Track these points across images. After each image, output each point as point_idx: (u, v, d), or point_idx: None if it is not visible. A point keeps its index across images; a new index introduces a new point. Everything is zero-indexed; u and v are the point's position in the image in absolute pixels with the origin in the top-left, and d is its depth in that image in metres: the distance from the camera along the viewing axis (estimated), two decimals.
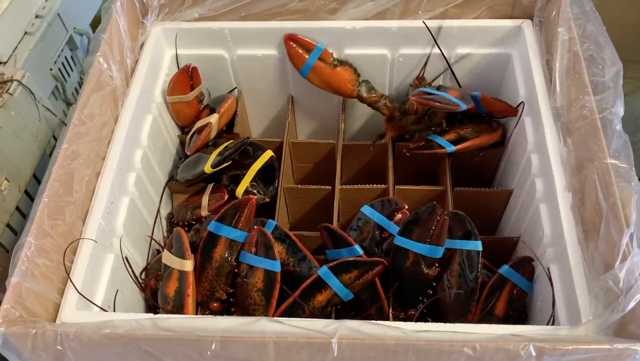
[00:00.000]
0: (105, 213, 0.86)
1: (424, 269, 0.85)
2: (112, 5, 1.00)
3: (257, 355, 0.66)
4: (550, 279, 0.79)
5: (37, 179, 1.22)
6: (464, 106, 0.96)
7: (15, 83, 1.12)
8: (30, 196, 1.20)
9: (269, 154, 1.02)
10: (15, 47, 1.25)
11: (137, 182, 0.96)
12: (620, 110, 0.80)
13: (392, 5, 1.05)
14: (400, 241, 0.87)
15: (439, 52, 1.09)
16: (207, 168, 0.98)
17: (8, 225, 1.12)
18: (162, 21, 1.11)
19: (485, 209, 1.05)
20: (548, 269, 0.80)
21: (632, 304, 0.63)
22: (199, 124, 1.09)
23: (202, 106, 1.16)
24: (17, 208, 1.15)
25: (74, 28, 1.45)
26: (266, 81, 1.19)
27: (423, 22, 1.05)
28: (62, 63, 1.42)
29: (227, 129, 1.15)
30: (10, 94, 1.10)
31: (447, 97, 0.97)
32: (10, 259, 0.74)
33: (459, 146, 1.02)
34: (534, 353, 0.61)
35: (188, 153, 1.07)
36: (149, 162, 1.02)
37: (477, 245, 0.85)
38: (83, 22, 1.51)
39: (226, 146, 1.00)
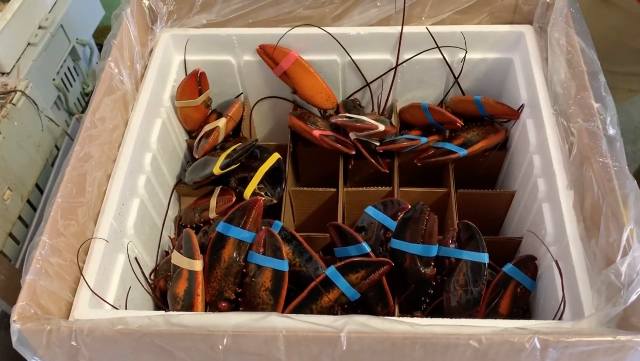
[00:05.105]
0: (116, 213, 0.88)
1: (421, 268, 0.87)
2: (123, 12, 1.02)
3: (268, 349, 0.67)
4: (559, 269, 0.80)
5: (39, 188, 1.22)
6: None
7: (18, 94, 1.12)
8: (32, 206, 1.20)
9: (276, 156, 1.04)
10: (19, 58, 1.25)
11: (147, 184, 0.98)
12: (613, 116, 0.83)
13: (396, 11, 1.08)
14: (395, 244, 0.89)
15: (441, 57, 1.11)
16: (216, 170, 0.99)
17: (10, 234, 1.13)
18: (170, 27, 1.13)
19: (488, 210, 1.07)
20: (556, 262, 0.81)
21: (633, 297, 0.64)
22: (207, 128, 1.11)
23: (210, 110, 1.18)
24: (20, 218, 1.16)
25: (77, 39, 1.46)
26: (271, 86, 1.20)
27: (426, 28, 1.08)
28: (65, 73, 1.43)
29: (234, 134, 1.17)
30: (13, 104, 1.11)
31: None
32: (25, 258, 0.76)
33: (470, 149, 1.04)
34: (538, 346, 0.63)
35: (196, 156, 1.09)
36: (158, 166, 1.04)
37: (483, 257, 0.86)
38: (85, 33, 1.52)
39: (234, 149, 1.02)
